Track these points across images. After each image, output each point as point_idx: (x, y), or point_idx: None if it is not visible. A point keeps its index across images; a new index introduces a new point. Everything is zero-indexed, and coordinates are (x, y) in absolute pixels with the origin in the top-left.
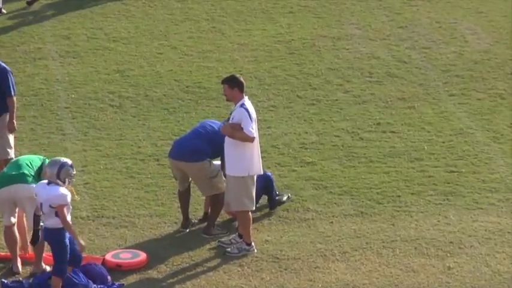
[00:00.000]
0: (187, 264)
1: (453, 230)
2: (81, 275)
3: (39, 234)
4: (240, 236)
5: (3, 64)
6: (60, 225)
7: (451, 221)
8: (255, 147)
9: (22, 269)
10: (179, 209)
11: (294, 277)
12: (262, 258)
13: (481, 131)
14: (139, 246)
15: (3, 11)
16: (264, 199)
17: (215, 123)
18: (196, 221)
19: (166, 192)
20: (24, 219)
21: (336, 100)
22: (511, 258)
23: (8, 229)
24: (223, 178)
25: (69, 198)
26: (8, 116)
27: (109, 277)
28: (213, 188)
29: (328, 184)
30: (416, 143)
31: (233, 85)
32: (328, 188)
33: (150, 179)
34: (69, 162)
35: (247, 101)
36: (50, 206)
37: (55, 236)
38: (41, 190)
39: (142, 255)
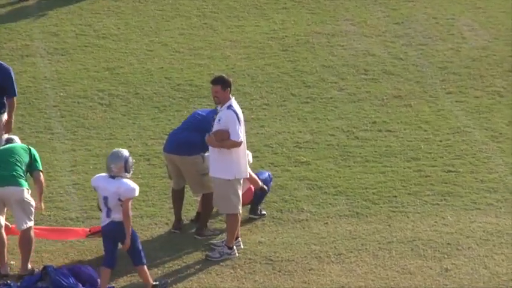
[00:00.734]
0: (179, 267)
1: (451, 231)
2: (70, 278)
3: None
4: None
5: (5, 64)
6: None
7: (449, 221)
8: (241, 150)
9: (10, 271)
10: (171, 210)
11: (288, 279)
12: (255, 260)
13: (479, 130)
14: None
15: None
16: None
17: (204, 111)
18: (187, 221)
19: (157, 192)
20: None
21: (331, 98)
22: (510, 260)
23: None
24: None
25: (137, 192)
26: (2, 117)
27: (99, 280)
28: (204, 186)
29: (323, 184)
30: (413, 142)
31: (226, 86)
32: (323, 188)
33: (141, 179)
34: (128, 152)
35: (234, 102)
36: (119, 199)
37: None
38: (106, 184)
39: None
